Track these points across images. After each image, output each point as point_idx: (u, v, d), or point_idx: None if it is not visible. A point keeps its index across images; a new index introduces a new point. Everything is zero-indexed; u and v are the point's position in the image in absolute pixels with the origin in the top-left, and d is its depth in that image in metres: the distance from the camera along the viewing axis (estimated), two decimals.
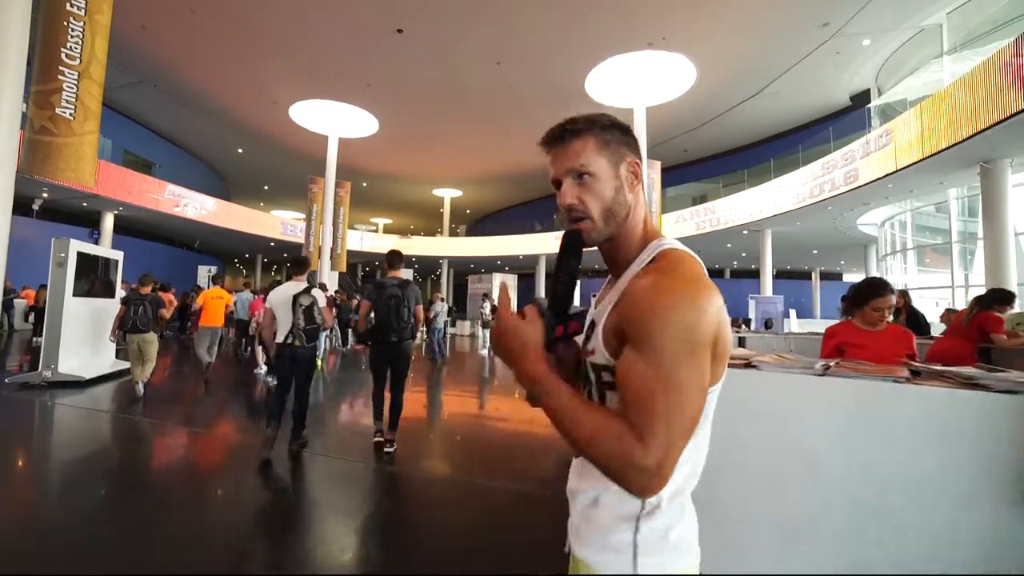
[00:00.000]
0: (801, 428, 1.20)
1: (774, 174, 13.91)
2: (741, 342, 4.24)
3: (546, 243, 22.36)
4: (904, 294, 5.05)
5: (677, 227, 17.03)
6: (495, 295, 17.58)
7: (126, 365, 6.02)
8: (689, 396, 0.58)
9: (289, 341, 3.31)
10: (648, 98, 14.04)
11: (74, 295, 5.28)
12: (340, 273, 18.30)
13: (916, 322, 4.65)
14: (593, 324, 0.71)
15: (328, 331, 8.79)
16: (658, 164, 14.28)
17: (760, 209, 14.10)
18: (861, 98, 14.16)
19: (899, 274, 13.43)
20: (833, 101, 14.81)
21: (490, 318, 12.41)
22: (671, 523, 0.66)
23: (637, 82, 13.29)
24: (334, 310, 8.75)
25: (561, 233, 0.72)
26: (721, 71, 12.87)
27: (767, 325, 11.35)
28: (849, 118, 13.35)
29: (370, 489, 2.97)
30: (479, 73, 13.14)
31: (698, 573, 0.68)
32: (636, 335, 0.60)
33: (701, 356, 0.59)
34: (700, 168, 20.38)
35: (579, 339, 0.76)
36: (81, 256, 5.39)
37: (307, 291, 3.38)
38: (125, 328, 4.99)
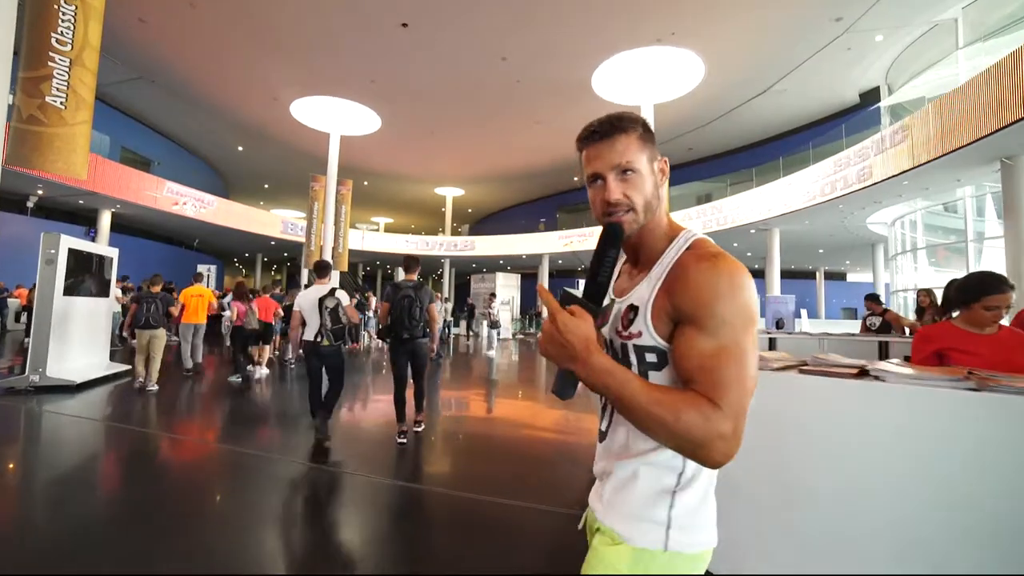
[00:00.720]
0: (964, 463, 0.94)
1: (783, 172, 13.69)
2: (772, 344, 3.99)
3: (549, 243, 22.11)
4: (930, 293, 4.88)
5: (691, 224, 16.72)
6: (500, 295, 17.34)
7: (121, 368, 5.79)
8: (752, 363, 0.65)
9: (317, 340, 3.64)
10: (656, 95, 13.82)
11: (64, 294, 5.01)
12: (341, 273, 18.07)
13: None
14: (634, 308, 0.74)
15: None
16: (666, 161, 14.06)
17: (769, 208, 13.87)
18: (871, 96, 13.95)
19: (910, 273, 13.20)
20: (842, 99, 14.60)
21: (498, 318, 12.17)
22: (701, 500, 0.72)
23: (645, 79, 13.07)
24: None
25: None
26: (730, 68, 12.64)
27: (778, 325, 11.09)
28: (860, 116, 13.10)
29: (388, 507, 2.74)
30: (484, 69, 12.90)
31: (711, 551, 0.72)
32: (701, 315, 0.66)
33: (754, 328, 0.67)
34: (705, 167, 20.16)
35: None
36: (73, 253, 5.11)
37: (331, 293, 3.67)
38: (138, 325, 5.29)
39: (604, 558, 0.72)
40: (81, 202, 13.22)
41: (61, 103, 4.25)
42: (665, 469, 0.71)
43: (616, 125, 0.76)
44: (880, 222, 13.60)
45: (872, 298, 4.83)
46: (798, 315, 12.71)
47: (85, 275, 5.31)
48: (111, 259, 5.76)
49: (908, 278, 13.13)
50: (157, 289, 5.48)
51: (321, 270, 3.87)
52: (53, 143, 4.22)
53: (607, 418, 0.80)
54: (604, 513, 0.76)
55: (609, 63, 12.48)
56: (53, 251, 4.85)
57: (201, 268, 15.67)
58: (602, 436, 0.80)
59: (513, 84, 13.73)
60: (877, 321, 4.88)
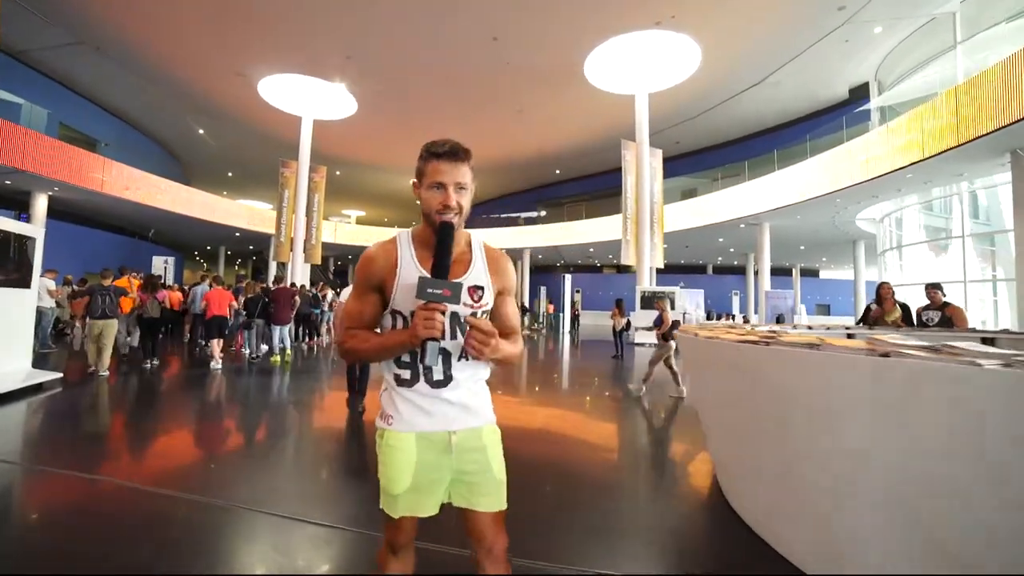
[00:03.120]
0: None
1: (778, 165, 13.46)
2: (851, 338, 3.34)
3: (530, 237, 21.45)
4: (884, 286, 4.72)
5: (673, 220, 16.35)
6: None
7: (48, 376, 4.72)
8: None
9: None
10: (650, 84, 13.35)
11: None
12: (312, 267, 16.87)
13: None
14: (479, 288, 1.09)
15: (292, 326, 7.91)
16: (660, 152, 13.63)
17: (761, 202, 13.64)
18: (860, 91, 13.90)
19: (896, 271, 13.22)
20: (832, 94, 14.54)
21: None
22: None
23: (639, 66, 12.56)
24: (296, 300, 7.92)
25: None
26: (727, 56, 12.27)
27: (779, 320, 10.81)
28: (851, 111, 12.97)
29: None
30: (472, 48, 12.06)
31: None
32: (510, 287, 1.17)
33: None
34: (692, 161, 19.96)
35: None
36: None
37: None
38: (94, 315, 5.62)
39: (495, 439, 1.15)
40: (8, 182, 11.56)
41: None
42: (484, 376, 1.16)
43: (462, 153, 1.05)
44: (868, 218, 13.57)
45: (935, 287, 4.35)
46: (795, 311, 12.51)
47: None
48: (33, 240, 4.61)
49: (894, 275, 13.13)
50: (108, 282, 5.92)
51: None
52: None
53: (442, 371, 1.07)
54: (478, 420, 1.12)
55: (604, 47, 11.89)
56: None
57: (157, 260, 14.20)
58: (440, 384, 1.07)
59: (502, 67, 12.95)
60: (936, 316, 4.40)
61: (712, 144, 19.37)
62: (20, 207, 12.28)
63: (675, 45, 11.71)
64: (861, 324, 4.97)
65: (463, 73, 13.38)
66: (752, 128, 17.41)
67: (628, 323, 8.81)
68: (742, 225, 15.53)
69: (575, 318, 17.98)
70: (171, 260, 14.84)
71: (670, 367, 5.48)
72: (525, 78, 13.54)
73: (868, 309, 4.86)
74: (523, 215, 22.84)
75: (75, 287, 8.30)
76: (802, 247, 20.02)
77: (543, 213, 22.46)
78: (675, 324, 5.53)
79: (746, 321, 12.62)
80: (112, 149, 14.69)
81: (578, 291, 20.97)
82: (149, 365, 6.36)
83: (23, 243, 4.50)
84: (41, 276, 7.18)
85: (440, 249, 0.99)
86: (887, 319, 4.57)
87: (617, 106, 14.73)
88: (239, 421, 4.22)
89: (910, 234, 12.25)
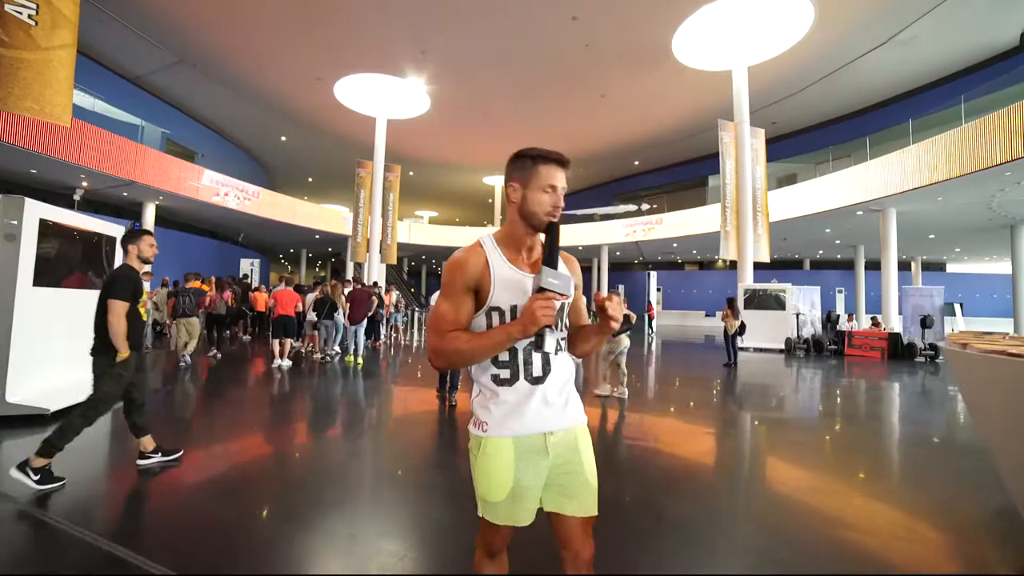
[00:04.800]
0: None
1: (913, 138, 11.24)
2: None
3: (610, 232, 20.15)
4: None
5: (775, 209, 14.35)
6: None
7: None
8: None
9: None
10: (749, 56, 11.74)
11: (36, 284, 3.46)
12: (388, 267, 16.99)
13: None
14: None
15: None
16: (762, 132, 11.95)
17: (888, 183, 11.47)
18: None
19: None
20: (991, 43, 11.88)
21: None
22: None
23: (737, 36, 11.04)
24: (373, 300, 7.59)
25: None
26: (846, 13, 10.41)
27: (925, 324, 8.86)
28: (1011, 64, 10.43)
29: None
30: (550, 31, 11.22)
31: None
32: (579, 285, 1.20)
33: None
34: (792, 143, 17.68)
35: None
36: (49, 227, 3.54)
37: None
38: (178, 315, 6.29)
39: (587, 441, 1.14)
40: (125, 194, 12.60)
41: (29, 17, 2.89)
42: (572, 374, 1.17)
43: (567, 161, 1.09)
44: None
45: None
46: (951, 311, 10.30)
47: (74, 259, 3.96)
48: (113, 239, 4.33)
49: None
50: (190, 285, 6.58)
51: None
52: (18, 73, 2.85)
53: (540, 366, 1.08)
54: (571, 420, 1.11)
55: (695, 18, 10.55)
56: (14, 222, 3.23)
57: (244, 263, 14.92)
58: (539, 380, 1.07)
59: (581, 49, 12.00)
60: None
61: (817, 122, 17.02)
62: (134, 216, 13.36)
63: (780, 6, 10.11)
64: None
65: (540, 58, 12.59)
66: (873, 98, 14.96)
67: (743, 325, 7.52)
68: (859, 212, 13.30)
69: (649, 319, 16.43)
70: (257, 262, 15.55)
71: (617, 364, 5.05)
72: (606, 60, 12.48)
73: None
74: (599, 211, 21.62)
75: (170, 290, 8.69)
76: (931, 236, 16.96)
77: (631, 207, 21.02)
78: (627, 319, 4.60)
79: (876, 324, 10.62)
80: (207, 160, 15.68)
81: (658, 289, 19.46)
82: (213, 354, 7.08)
83: (109, 244, 4.34)
84: None
85: (551, 246, 1.03)
86: None
87: (707, 85, 13.20)
88: (300, 421, 3.72)
89: None
